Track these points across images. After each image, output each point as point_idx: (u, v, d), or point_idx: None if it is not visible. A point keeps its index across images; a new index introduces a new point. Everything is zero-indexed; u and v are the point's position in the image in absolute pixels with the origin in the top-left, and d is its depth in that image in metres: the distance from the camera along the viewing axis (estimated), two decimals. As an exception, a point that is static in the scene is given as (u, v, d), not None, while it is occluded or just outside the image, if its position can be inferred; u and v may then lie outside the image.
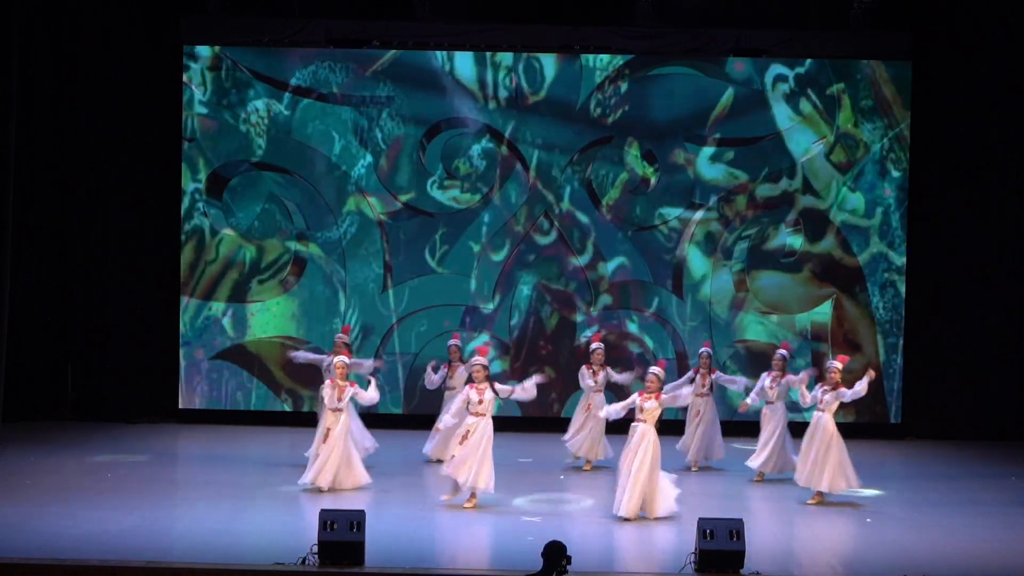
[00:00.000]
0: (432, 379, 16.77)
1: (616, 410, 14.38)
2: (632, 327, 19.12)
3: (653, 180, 19.01)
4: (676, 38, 18.85)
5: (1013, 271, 18.98)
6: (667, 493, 14.14)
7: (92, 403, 18.97)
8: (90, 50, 18.75)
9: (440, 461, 15.66)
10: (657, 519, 13.93)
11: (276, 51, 18.90)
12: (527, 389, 14.74)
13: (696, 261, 19.08)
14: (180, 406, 19.07)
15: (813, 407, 15.22)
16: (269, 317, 19.04)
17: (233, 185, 18.94)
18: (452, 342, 17.03)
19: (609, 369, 16.68)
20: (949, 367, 19.06)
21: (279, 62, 18.92)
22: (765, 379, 16.22)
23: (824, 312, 19.21)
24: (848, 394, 14.96)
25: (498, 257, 19.05)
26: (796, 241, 19.12)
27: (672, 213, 19.04)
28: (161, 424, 18.81)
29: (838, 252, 19.17)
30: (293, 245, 19.00)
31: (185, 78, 18.81)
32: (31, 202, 18.40)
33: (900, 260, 19.07)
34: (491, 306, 19.06)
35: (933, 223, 19.01)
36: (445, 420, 14.98)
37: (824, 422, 14.98)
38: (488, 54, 18.89)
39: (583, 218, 19.06)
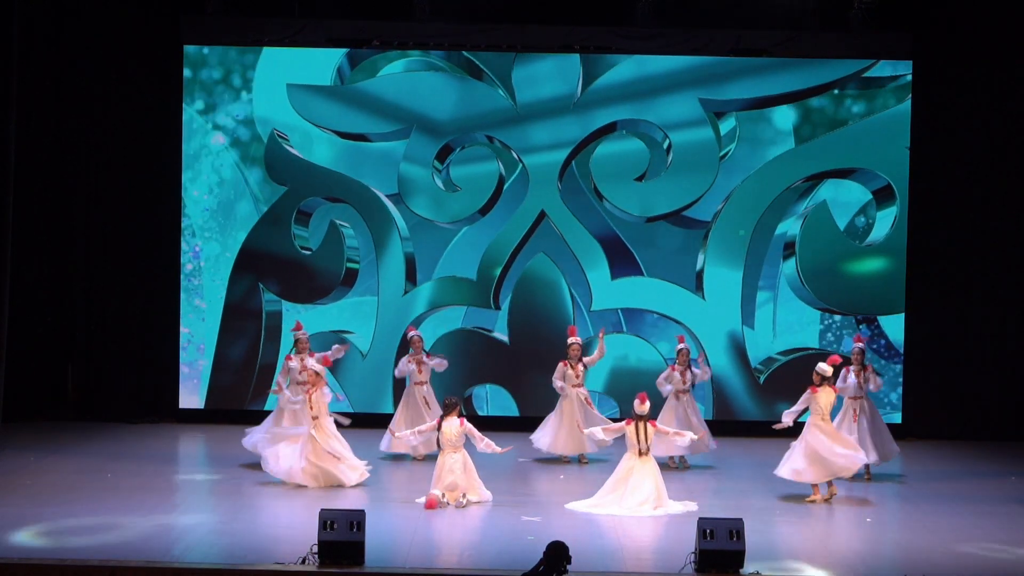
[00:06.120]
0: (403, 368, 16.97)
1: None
2: (641, 327, 19.14)
3: (660, 171, 18.98)
4: (676, 38, 18.85)
5: (1013, 271, 18.98)
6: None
7: (92, 403, 18.97)
8: (90, 49, 18.77)
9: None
10: (669, 516, 14.07)
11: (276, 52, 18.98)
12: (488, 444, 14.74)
13: (708, 253, 19.05)
14: (180, 406, 19.09)
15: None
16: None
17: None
18: (413, 334, 17.11)
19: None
20: (949, 367, 19.06)
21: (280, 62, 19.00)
22: (674, 374, 16.67)
23: (824, 312, 19.30)
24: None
25: (502, 257, 19.05)
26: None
27: (682, 204, 19.02)
28: (161, 424, 18.82)
29: (839, 252, 19.22)
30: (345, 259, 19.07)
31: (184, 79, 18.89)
32: (31, 202, 18.41)
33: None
34: (493, 307, 19.05)
35: (933, 223, 19.00)
36: (408, 439, 15.48)
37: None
38: (489, 55, 18.92)
39: (585, 215, 19.05)
